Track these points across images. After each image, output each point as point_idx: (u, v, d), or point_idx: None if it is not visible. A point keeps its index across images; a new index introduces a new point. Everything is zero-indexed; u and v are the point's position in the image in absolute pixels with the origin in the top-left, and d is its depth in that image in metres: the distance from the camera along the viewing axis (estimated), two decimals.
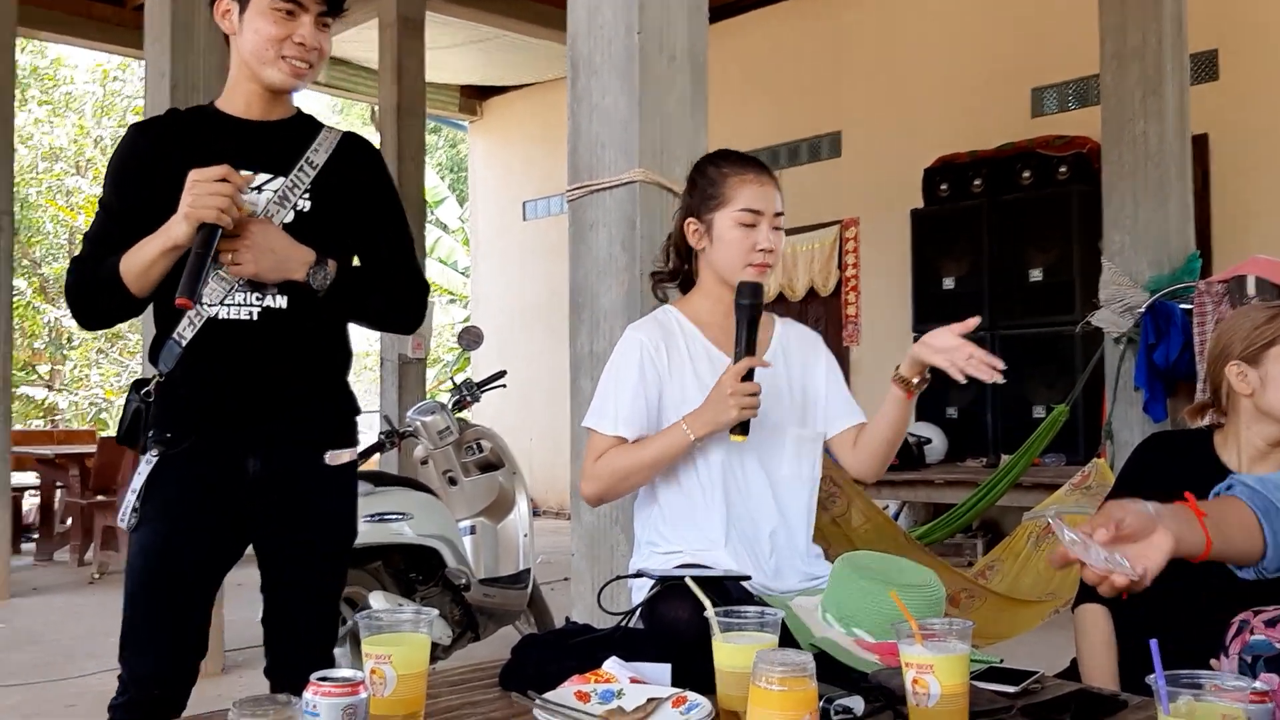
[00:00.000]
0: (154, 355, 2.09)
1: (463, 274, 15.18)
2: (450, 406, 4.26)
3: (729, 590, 1.83)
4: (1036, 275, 6.82)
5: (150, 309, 2.11)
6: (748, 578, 1.94)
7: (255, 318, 2.05)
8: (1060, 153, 6.86)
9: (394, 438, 4.31)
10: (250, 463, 2.08)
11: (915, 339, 6.97)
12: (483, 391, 4.39)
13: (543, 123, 10.85)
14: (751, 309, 2.01)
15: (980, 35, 7.65)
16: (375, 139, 9.79)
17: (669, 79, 2.71)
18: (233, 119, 2.12)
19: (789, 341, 2.25)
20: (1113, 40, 4.56)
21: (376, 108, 8.97)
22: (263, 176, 2.07)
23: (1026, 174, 6.94)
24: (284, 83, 2.09)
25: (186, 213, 1.91)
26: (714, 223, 2.15)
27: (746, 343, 2.00)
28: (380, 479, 3.99)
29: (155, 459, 2.07)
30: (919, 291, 7.34)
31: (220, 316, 2.04)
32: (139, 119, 2.27)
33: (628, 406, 2.08)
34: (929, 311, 7.25)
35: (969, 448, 6.97)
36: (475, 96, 11.63)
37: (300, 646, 2.18)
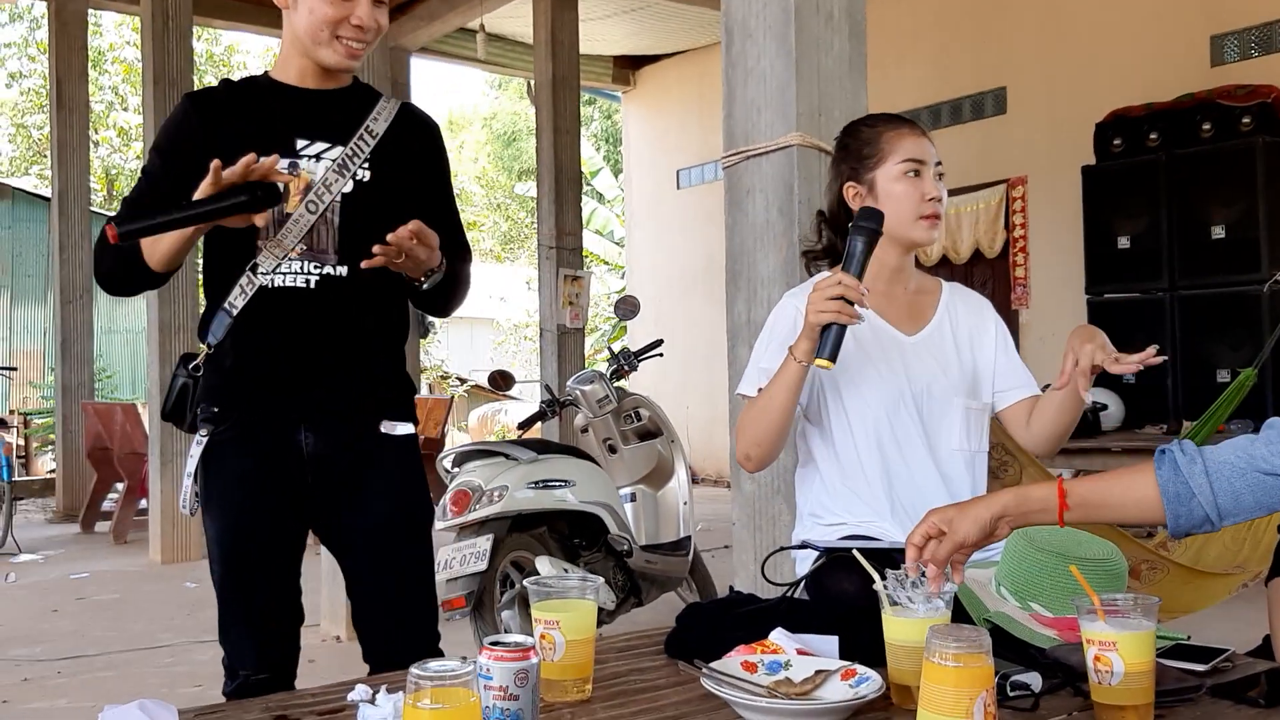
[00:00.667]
0: (204, 328, 2.04)
1: (618, 244, 15.31)
2: (608, 375, 4.31)
3: (897, 562, 1.79)
4: (1219, 232, 6.44)
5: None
6: None
7: (312, 286, 1.99)
8: (1243, 103, 6.44)
9: (555, 406, 4.40)
10: (304, 438, 2.01)
11: (1088, 301, 6.64)
12: (640, 360, 4.43)
13: (696, 90, 10.80)
14: (872, 233, 1.85)
15: None
16: (531, 113, 9.94)
17: (826, 39, 2.65)
18: (289, 88, 2.06)
19: (956, 308, 2.16)
20: None
21: (532, 82, 9.10)
22: (320, 145, 2.01)
23: (1206, 126, 6.54)
24: (339, 64, 2.01)
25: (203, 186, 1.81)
26: (875, 181, 2.08)
27: (860, 261, 1.82)
28: (543, 447, 4.07)
29: (205, 439, 2.01)
30: (1092, 251, 7.02)
31: (275, 285, 1.98)
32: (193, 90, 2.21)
33: (771, 370, 2.01)
34: (1103, 272, 6.93)
35: (1148, 414, 6.65)
36: (628, 66, 11.66)
37: (397, 637, 2.09)
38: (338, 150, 2.01)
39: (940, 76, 8.49)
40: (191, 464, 2.01)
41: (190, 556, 6.69)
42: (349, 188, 2.01)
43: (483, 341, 22.09)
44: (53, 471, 9.73)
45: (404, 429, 2.10)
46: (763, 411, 1.95)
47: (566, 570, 3.72)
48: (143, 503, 7.38)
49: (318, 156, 2.00)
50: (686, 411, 9.91)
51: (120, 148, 19.35)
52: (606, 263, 16.35)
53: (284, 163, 1.95)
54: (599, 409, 4.26)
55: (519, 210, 22.10)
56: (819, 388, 2.06)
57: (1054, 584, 1.65)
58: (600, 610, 3.80)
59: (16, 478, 8.32)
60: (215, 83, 2.17)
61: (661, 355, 4.48)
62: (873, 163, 2.09)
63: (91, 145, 9.74)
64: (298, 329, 1.99)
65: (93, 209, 9.54)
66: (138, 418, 7.58)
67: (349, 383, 2.04)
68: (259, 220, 1.85)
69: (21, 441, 11.81)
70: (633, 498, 4.21)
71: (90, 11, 8.92)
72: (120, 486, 7.74)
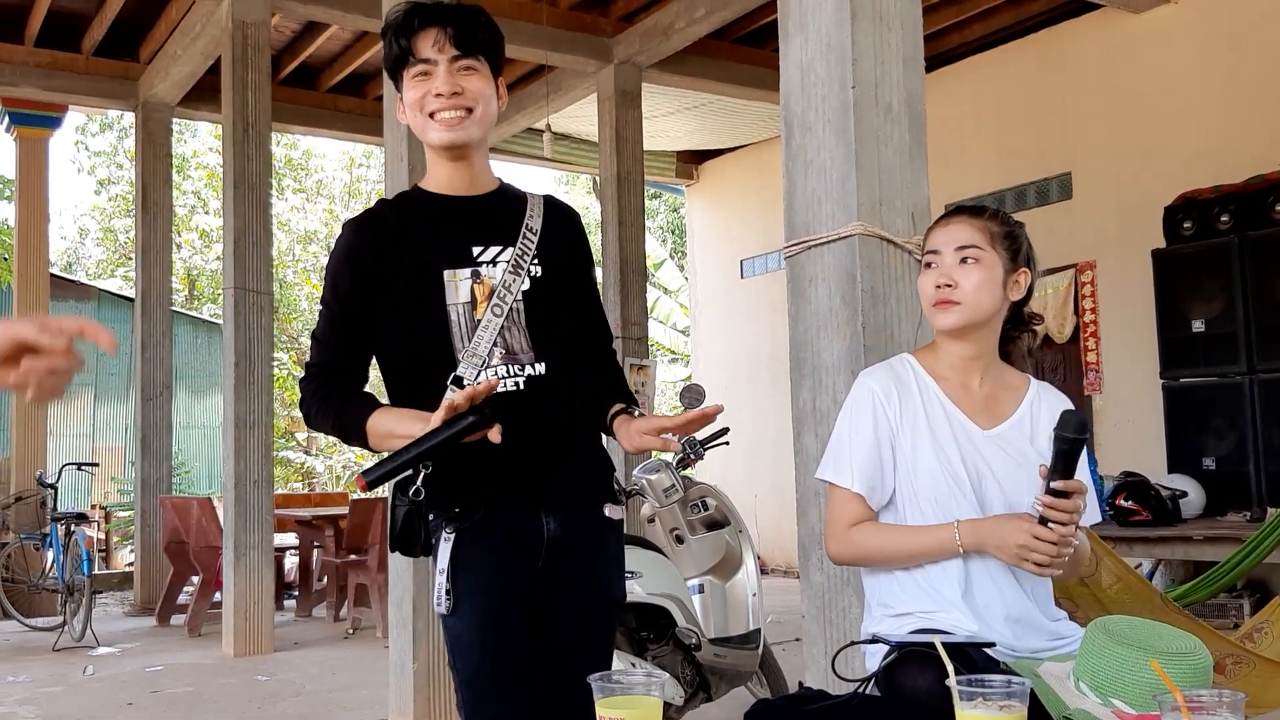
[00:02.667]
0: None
1: (683, 333, 15.39)
2: (674, 464, 4.29)
3: (972, 657, 1.75)
4: None
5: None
6: (992, 644, 1.85)
7: (522, 387, 2.03)
8: None
9: (621, 496, 4.38)
10: (547, 523, 2.05)
11: (1164, 386, 6.48)
12: (706, 449, 4.41)
13: (758, 182, 10.92)
14: (1072, 444, 1.82)
15: (1220, 61, 7.20)
16: (597, 208, 10.14)
17: (886, 131, 2.68)
18: (444, 197, 2.12)
19: (1040, 409, 2.13)
20: None
21: (598, 178, 9.28)
22: (494, 249, 2.07)
23: (1279, 208, 6.45)
24: (442, 138, 2.06)
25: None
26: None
27: (1061, 472, 1.82)
28: None
29: (453, 535, 2.00)
30: (1165, 335, 6.90)
31: None
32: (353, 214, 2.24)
33: (863, 460, 2.04)
34: (1178, 356, 6.80)
35: (1230, 501, 6.46)
36: (692, 161, 11.84)
37: (577, 705, 2.04)
38: (509, 251, 2.07)
39: (1004, 164, 8.50)
40: (443, 560, 1.98)
41: (262, 650, 6.73)
42: (526, 285, 2.06)
43: None
44: (131, 565, 9.90)
45: (619, 512, 2.17)
46: (894, 559, 2.01)
47: (634, 664, 3.68)
48: (217, 595, 7.46)
49: (493, 261, 2.06)
50: (754, 500, 9.81)
51: (201, 249, 20.01)
52: (672, 352, 16.43)
53: (465, 271, 2.03)
54: (665, 498, 4.24)
55: None
56: (897, 469, 2.05)
57: (1135, 679, 1.60)
58: (668, 706, 3.74)
59: (97, 571, 8.47)
60: (302, 188, 2.24)
61: (728, 444, 4.46)
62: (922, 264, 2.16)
63: (174, 247, 10.08)
64: (517, 430, 1.96)
65: (174, 309, 9.85)
66: (213, 511, 7.71)
67: (575, 471, 2.10)
68: (494, 436, 1.84)
69: (102, 535, 12.05)
70: (700, 589, 4.16)
71: (174, 120, 9.31)
72: (196, 580, 7.84)
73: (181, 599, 8.19)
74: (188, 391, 14.54)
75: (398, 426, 1.91)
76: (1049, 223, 8.13)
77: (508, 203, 2.16)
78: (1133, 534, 6.08)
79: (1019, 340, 2.23)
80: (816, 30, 2.72)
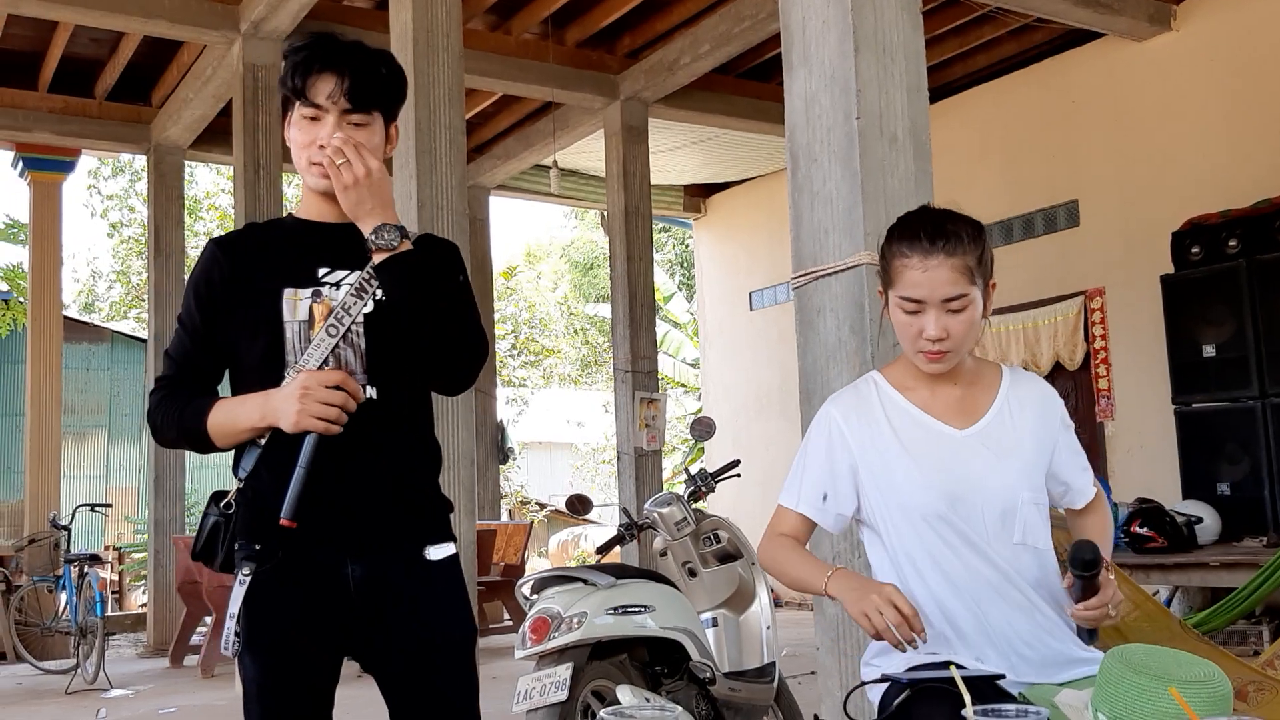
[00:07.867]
0: (236, 463, 2.00)
1: (692, 366, 15.40)
2: (686, 497, 4.28)
3: (983, 690, 1.73)
4: None
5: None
6: (1001, 676, 1.82)
7: None
8: None
9: (633, 530, 4.37)
10: (350, 569, 1.98)
11: (1176, 411, 6.44)
12: (718, 481, 4.40)
13: (765, 214, 10.96)
14: (1088, 575, 1.85)
15: (1223, 86, 7.23)
16: (605, 243, 10.18)
17: (891, 161, 2.70)
18: (309, 224, 2.11)
19: (1018, 398, 2.08)
20: None
21: (605, 213, 9.34)
22: (341, 272, 2.04)
23: None
24: (317, 185, 2.06)
25: (295, 420, 1.88)
26: (890, 298, 2.04)
27: (1082, 595, 1.87)
28: (622, 571, 4.03)
29: (248, 578, 1.94)
30: (1176, 361, 6.89)
31: None
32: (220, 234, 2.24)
33: (812, 484, 2.08)
34: (1190, 381, 6.78)
35: (1246, 526, 6.41)
36: (699, 194, 11.90)
37: None
38: (355, 275, 2.03)
39: (1010, 191, 8.52)
40: (235, 604, 1.94)
41: None
42: (369, 308, 2.01)
43: (561, 466, 22.19)
44: (144, 606, 9.89)
45: (447, 551, 2.08)
46: (780, 574, 2.09)
47: (648, 699, 3.65)
48: None
49: (338, 284, 2.03)
50: None
51: None
52: (682, 385, 16.43)
53: (306, 291, 2.02)
54: (677, 531, 4.22)
55: (597, 335, 22.41)
56: (869, 490, 2.04)
57: (1154, 708, 1.58)
58: None
59: (110, 613, 8.46)
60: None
61: (739, 476, 4.45)
62: (887, 281, 2.03)
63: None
64: (333, 458, 1.94)
65: None
66: None
67: (392, 510, 2.02)
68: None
69: (115, 577, 12.04)
70: (714, 623, 4.13)
71: (187, 163, 9.39)
72: (209, 620, 7.82)
73: (195, 639, 8.17)
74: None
75: (236, 409, 1.96)
76: (1057, 249, 8.15)
77: None
78: (1149, 561, 6.04)
79: None
80: (820, 63, 2.75)
